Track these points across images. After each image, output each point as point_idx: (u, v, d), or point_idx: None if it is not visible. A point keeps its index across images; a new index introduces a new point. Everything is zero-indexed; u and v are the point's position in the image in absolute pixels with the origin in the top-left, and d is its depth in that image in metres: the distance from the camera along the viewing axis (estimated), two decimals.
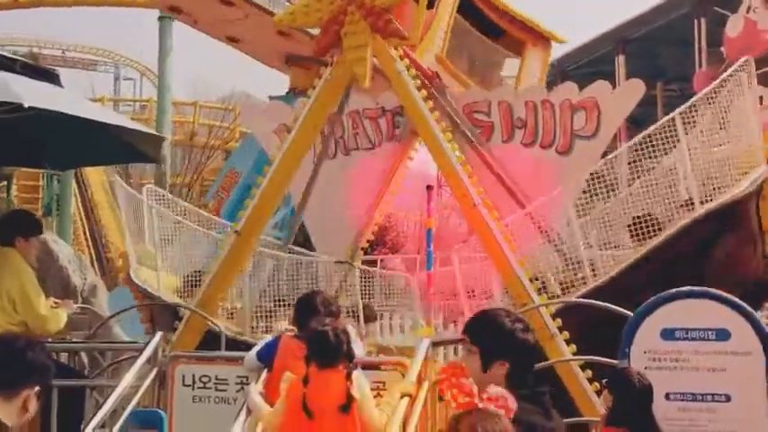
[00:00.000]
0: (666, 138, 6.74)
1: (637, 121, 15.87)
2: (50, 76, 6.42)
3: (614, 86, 8.56)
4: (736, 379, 5.11)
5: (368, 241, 9.18)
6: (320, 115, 6.82)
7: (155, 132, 7.78)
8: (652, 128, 6.85)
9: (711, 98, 6.80)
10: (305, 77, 14.59)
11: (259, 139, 9.59)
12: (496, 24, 9.21)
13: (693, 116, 6.81)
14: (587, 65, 24.84)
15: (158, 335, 5.58)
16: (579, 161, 8.30)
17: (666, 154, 6.77)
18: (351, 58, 6.34)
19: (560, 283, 6.82)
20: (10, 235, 6.01)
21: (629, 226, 6.84)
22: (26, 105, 5.63)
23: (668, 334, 5.41)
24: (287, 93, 16.60)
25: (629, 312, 5.62)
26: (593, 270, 6.75)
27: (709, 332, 5.34)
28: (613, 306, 5.79)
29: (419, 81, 6.53)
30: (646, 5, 24.83)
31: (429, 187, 7.71)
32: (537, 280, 6.44)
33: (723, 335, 5.30)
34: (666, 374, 5.34)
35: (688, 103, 6.89)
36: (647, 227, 6.73)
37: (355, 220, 8.88)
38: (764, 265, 6.88)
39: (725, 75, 6.87)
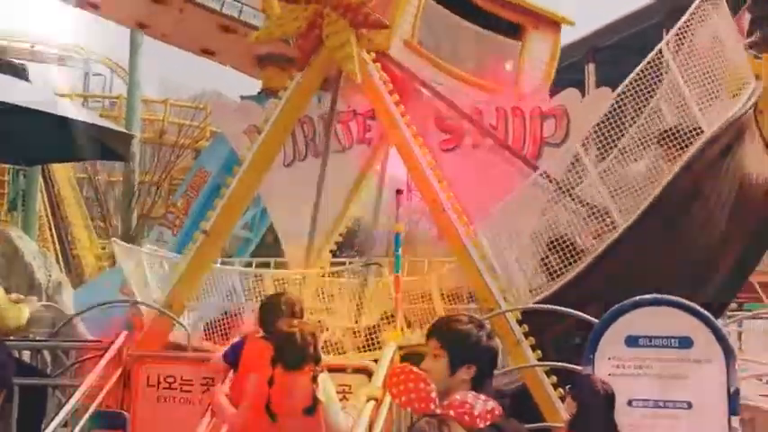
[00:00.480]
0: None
1: None
2: (17, 71, 6.37)
3: (584, 95, 8.63)
4: (698, 386, 5.18)
5: (336, 243, 9.17)
6: (291, 117, 6.82)
7: (123, 130, 7.71)
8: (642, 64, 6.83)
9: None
10: (278, 78, 14.54)
11: (229, 138, 9.54)
12: (484, 9, 8.66)
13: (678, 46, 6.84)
14: (557, 72, 24.95)
15: (123, 334, 5.54)
16: (547, 167, 8.34)
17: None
18: (338, 56, 6.34)
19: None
20: None
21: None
22: None
23: (632, 341, 5.47)
24: (259, 93, 16.52)
25: (594, 319, 5.67)
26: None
27: (673, 340, 5.42)
28: (578, 313, 5.83)
29: (390, 85, 6.54)
30: (616, 14, 25.12)
31: (398, 191, 7.72)
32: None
33: (686, 342, 5.38)
34: (630, 381, 5.40)
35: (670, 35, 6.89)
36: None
37: (323, 222, 8.85)
38: None
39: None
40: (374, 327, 7.67)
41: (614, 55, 23.94)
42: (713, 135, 6.54)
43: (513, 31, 8.85)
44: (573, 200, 6.64)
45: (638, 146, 6.75)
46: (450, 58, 8.42)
